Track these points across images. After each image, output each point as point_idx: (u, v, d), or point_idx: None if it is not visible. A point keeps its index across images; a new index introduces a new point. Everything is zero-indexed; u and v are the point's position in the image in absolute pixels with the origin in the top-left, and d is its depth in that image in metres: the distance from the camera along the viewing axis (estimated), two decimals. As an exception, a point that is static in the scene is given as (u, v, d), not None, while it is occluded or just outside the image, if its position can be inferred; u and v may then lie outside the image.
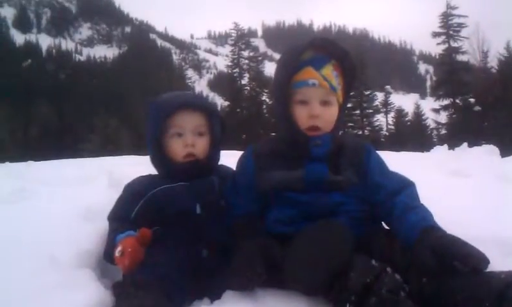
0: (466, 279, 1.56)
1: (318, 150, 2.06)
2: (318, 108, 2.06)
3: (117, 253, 1.87)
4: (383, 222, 2.09)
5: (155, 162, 2.33)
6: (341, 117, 2.17)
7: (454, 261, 1.58)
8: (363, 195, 2.07)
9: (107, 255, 2.07)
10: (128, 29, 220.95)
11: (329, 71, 2.07)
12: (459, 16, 37.37)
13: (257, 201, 2.15)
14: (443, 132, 38.42)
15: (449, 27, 37.13)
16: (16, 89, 65.87)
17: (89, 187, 4.27)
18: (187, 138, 2.23)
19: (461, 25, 37.36)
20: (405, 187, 2.04)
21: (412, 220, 1.85)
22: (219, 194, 2.23)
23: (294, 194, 2.03)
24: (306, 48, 2.08)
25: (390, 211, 1.96)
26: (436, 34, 37.63)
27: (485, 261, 1.59)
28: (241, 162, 2.25)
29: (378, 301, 1.50)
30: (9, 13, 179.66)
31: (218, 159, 2.41)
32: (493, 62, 40.94)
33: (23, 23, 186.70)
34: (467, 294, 1.54)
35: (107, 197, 2.54)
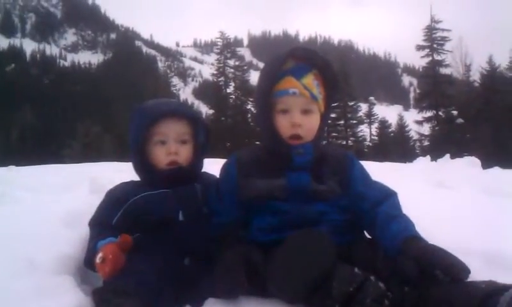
0: (447, 288, 1.57)
1: (301, 159, 2.05)
2: (298, 116, 2.06)
3: (98, 260, 1.84)
4: (365, 231, 2.09)
5: (138, 168, 2.30)
6: (323, 126, 2.17)
7: (436, 270, 1.59)
8: (346, 204, 2.07)
9: (88, 262, 2.03)
10: (113, 36, 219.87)
11: (310, 81, 2.07)
12: (443, 30, 37.81)
13: (240, 209, 2.14)
14: (426, 143, 38.71)
15: (433, 40, 37.49)
16: (-1, 93, 65.23)
17: (71, 192, 4.23)
18: (170, 146, 2.22)
19: (444, 39, 37.78)
20: (387, 196, 2.05)
21: (394, 230, 1.86)
22: (202, 202, 2.22)
23: (276, 203, 2.02)
24: (287, 57, 2.09)
25: (373, 220, 1.97)
26: (420, 47, 37.97)
27: (466, 270, 1.60)
28: (225, 169, 2.24)
29: (362, 310, 1.51)
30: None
31: (201, 166, 2.39)
32: (475, 76, 41.71)
33: (7, 28, 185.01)
34: (448, 303, 1.54)
35: (88, 203, 2.51)
